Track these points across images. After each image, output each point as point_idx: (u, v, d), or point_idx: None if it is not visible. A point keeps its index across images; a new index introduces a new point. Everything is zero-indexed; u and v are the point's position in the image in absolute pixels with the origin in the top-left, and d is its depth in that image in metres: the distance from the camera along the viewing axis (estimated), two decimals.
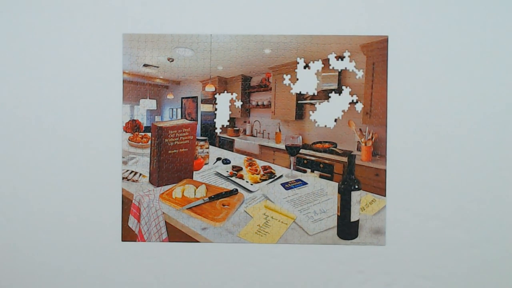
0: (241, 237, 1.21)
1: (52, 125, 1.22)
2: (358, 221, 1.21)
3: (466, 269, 1.22)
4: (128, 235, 1.24)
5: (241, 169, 1.34)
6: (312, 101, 1.30)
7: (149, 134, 1.29)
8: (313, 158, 1.31)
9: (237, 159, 1.36)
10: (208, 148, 1.33)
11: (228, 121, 1.30)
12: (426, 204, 1.21)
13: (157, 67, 1.25)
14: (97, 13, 1.21)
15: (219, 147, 1.34)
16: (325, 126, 1.25)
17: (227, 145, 1.36)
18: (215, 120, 1.29)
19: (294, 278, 1.24)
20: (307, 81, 1.25)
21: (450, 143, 1.20)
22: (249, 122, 1.40)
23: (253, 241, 1.22)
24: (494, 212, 1.21)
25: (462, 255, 1.22)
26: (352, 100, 1.24)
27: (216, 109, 1.29)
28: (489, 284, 1.22)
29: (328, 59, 1.24)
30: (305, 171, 1.32)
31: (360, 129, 1.24)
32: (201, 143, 1.34)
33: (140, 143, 1.28)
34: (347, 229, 1.21)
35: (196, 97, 1.31)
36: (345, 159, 1.24)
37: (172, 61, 1.24)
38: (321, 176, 1.30)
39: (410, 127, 1.21)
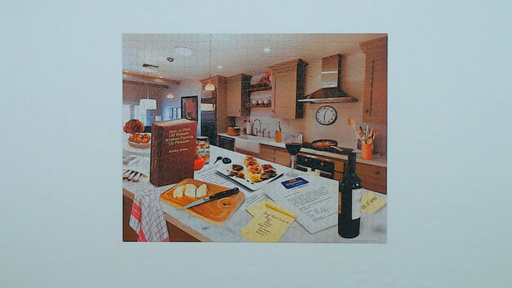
0: (242, 236, 1.21)
1: (52, 125, 1.22)
2: (359, 219, 1.21)
3: (466, 268, 1.22)
4: (129, 235, 1.24)
5: (241, 168, 1.34)
6: (312, 100, 1.30)
7: (149, 134, 1.29)
8: (313, 157, 1.31)
9: (237, 158, 1.36)
10: (208, 147, 1.33)
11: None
12: (427, 202, 1.21)
13: (157, 67, 1.25)
14: (97, 13, 1.21)
15: (220, 146, 1.34)
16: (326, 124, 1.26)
17: (228, 144, 1.36)
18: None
19: (296, 276, 1.24)
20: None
21: (451, 141, 1.20)
22: (249, 121, 1.40)
23: (254, 240, 1.21)
24: (494, 212, 1.21)
25: (462, 255, 1.22)
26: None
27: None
28: (489, 284, 1.22)
29: (328, 58, 1.24)
30: (305, 170, 1.32)
31: (361, 127, 1.24)
32: (202, 142, 1.34)
33: (141, 143, 1.28)
34: (348, 227, 1.20)
35: (196, 97, 1.31)
36: (345, 157, 1.24)
37: (172, 60, 1.24)
38: (321, 175, 1.30)
39: (410, 125, 1.21)
